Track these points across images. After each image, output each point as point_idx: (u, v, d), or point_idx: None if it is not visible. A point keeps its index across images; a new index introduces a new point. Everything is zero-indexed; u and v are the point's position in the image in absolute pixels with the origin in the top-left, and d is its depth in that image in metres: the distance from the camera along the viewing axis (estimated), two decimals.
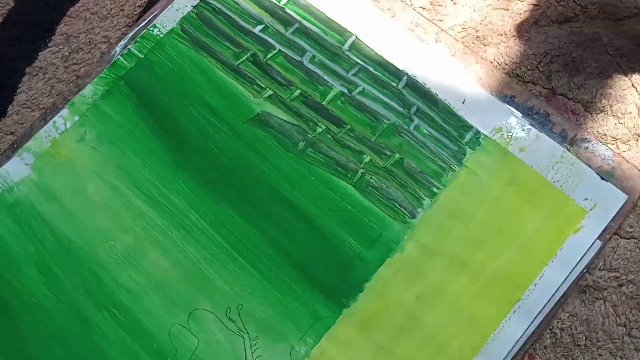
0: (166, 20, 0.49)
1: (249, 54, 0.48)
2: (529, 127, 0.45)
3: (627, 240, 0.42)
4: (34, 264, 0.43)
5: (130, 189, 0.45)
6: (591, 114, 0.45)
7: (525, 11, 0.48)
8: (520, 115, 0.45)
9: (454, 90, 0.46)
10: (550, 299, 0.40)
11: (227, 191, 0.45)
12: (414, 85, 0.47)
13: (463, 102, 0.46)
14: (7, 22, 0.52)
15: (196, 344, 0.41)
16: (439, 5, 0.49)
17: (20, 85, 0.50)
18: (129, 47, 0.48)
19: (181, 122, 0.47)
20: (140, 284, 0.43)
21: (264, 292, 0.42)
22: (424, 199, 0.44)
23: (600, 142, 0.44)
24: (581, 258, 0.41)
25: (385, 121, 0.46)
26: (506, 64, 0.46)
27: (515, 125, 0.45)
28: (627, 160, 0.43)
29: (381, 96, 0.47)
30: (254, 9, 0.49)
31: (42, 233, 0.44)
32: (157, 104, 0.47)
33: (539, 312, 0.40)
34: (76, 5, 0.52)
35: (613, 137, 0.44)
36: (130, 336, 0.42)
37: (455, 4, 0.49)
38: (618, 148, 0.44)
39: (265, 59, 0.48)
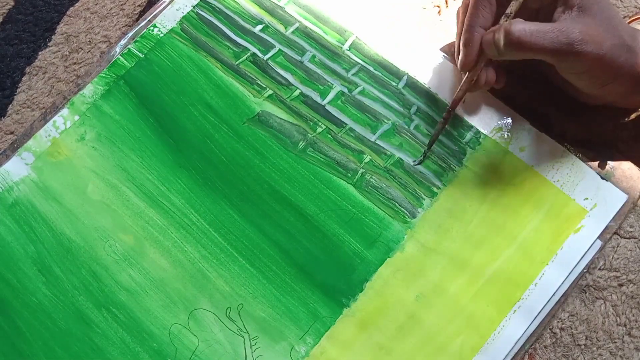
0: (166, 19, 0.49)
1: (249, 54, 0.48)
2: (529, 126, 0.44)
3: (627, 240, 0.42)
4: (33, 264, 0.43)
5: (130, 189, 0.45)
6: (592, 113, 0.45)
7: None
8: (521, 115, 0.45)
9: (454, 90, 0.46)
10: (550, 298, 0.40)
11: (227, 191, 0.45)
12: (414, 85, 0.47)
13: (463, 102, 0.46)
14: (7, 21, 0.52)
15: (196, 343, 0.41)
16: (440, 5, 0.49)
17: (20, 84, 0.50)
18: (129, 46, 0.48)
19: (181, 121, 0.47)
20: (140, 284, 0.43)
21: (264, 291, 0.42)
22: (424, 199, 0.44)
23: (601, 141, 0.44)
24: (581, 258, 0.41)
25: (385, 121, 0.46)
26: (507, 64, 0.46)
27: (515, 125, 0.45)
28: (627, 160, 0.43)
29: (381, 96, 0.47)
30: (254, 9, 0.49)
31: (42, 232, 0.44)
32: (157, 104, 0.47)
33: (539, 312, 0.40)
34: (76, 4, 0.52)
35: (613, 137, 0.44)
36: (130, 336, 0.42)
37: (456, 3, 0.49)
38: (618, 147, 0.44)
39: (265, 59, 0.48)
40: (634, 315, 0.40)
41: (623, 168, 0.43)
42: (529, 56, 0.38)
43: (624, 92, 0.40)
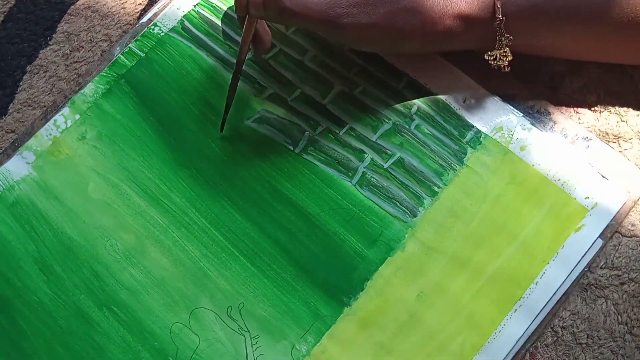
0: (167, 18, 0.49)
1: (250, 53, 0.48)
2: (530, 126, 0.45)
3: (629, 239, 0.42)
4: (34, 263, 0.43)
5: (131, 188, 0.45)
6: (593, 112, 0.45)
7: None
8: (521, 114, 0.45)
9: (454, 90, 0.46)
10: (551, 297, 0.40)
11: (228, 190, 0.45)
12: (414, 85, 0.47)
13: (464, 102, 0.46)
14: (8, 20, 0.52)
15: (197, 342, 0.41)
16: None
17: (21, 83, 0.50)
18: (129, 45, 0.49)
19: (182, 120, 0.47)
20: (141, 283, 0.43)
21: (265, 290, 0.42)
22: (425, 198, 0.44)
23: (602, 140, 0.44)
24: (582, 257, 0.41)
25: (386, 120, 0.46)
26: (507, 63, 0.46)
27: (516, 124, 0.45)
28: (628, 159, 0.43)
29: (382, 96, 0.47)
30: None
31: (43, 231, 0.44)
32: (158, 103, 0.47)
33: (540, 311, 0.40)
34: (77, 3, 0.52)
35: (614, 136, 0.44)
36: (131, 335, 0.42)
37: None
38: (620, 146, 0.44)
39: (266, 58, 0.48)
40: (635, 314, 0.40)
41: (624, 166, 0.43)
42: (295, 25, 0.41)
43: (417, 50, 0.44)
